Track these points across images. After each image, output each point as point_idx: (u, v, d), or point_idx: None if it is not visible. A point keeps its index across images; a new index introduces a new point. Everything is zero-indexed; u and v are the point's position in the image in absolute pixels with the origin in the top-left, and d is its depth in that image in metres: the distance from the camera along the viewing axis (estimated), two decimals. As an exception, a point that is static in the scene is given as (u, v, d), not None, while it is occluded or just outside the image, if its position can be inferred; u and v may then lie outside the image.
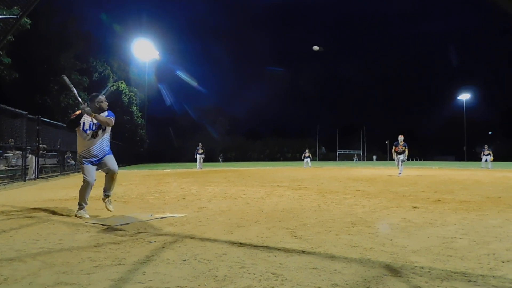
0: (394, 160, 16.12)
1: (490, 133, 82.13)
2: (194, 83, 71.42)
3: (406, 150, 15.28)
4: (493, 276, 2.31)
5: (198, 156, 23.71)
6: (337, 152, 75.84)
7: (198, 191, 8.10)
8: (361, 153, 76.95)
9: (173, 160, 54.50)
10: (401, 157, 15.21)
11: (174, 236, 3.47)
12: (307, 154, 27.98)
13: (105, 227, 4.00)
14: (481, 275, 2.34)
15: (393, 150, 15.79)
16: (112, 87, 36.03)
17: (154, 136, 56.53)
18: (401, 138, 15.42)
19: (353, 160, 67.62)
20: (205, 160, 24.71)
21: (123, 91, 40.28)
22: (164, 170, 21.81)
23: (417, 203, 5.86)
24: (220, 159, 60.68)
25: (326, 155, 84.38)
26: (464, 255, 2.79)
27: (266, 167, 28.36)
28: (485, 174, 15.84)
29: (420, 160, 68.84)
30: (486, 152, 24.11)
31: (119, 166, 5.15)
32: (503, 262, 2.61)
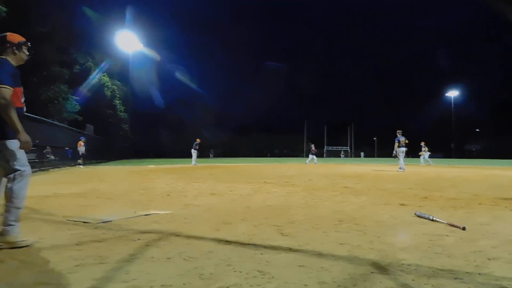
0: (394, 156, 16.42)
1: (478, 130, 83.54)
2: (181, 77, 70.57)
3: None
4: (479, 273, 2.31)
5: (194, 151, 23.70)
6: (325, 149, 76.19)
7: (184, 187, 8.01)
8: (348, 149, 77.50)
9: (159, 156, 54.08)
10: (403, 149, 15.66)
11: (159, 234, 3.40)
12: (314, 150, 28.42)
13: (88, 224, 3.90)
14: (467, 272, 2.33)
15: (396, 146, 16.03)
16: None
17: (139, 131, 55.71)
18: (399, 132, 15.85)
19: (340, 157, 67.99)
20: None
21: (106, 84, 39.25)
22: (149, 166, 21.55)
23: (405, 200, 5.88)
24: (210, 155, 60.48)
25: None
26: (451, 253, 2.78)
27: (254, 163, 28.35)
28: (473, 171, 16.05)
29: (408, 157, 69.54)
30: (424, 149, 24.73)
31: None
32: (490, 260, 2.61)
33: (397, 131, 15.88)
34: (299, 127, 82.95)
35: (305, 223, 3.97)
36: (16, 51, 3.21)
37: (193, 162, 23.53)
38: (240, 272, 2.32)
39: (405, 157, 16.05)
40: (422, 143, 24.87)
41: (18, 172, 3.08)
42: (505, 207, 5.18)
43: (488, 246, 3.00)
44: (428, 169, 18.92)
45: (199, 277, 2.22)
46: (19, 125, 2.98)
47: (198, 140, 24.21)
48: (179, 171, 15.88)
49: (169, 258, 2.60)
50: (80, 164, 21.27)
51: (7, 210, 2.98)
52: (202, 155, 46.65)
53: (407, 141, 16.13)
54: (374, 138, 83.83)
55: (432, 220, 4.03)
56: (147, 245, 2.97)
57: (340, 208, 5.10)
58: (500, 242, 3.14)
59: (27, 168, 3.16)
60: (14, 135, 3.01)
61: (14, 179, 3.04)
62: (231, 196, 6.41)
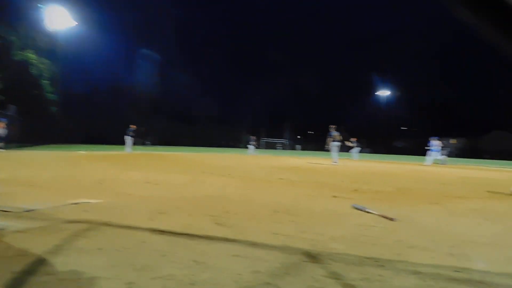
0: (326, 150, 17.14)
1: (404, 128, 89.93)
2: (116, 59, 67.01)
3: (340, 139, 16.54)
4: (400, 261, 2.51)
5: (128, 138, 22.76)
6: (264, 141, 77.34)
7: (117, 175, 7.69)
8: (287, 142, 79.41)
9: (91, 141, 51.21)
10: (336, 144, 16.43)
11: (89, 224, 3.24)
12: (252, 142, 28.63)
13: (8, 214, 3.61)
14: (389, 260, 2.52)
15: (328, 141, 16.74)
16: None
17: (69, 114, 52.22)
18: (332, 127, 16.53)
19: (276, 149, 69.43)
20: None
21: (32, 62, 35.97)
22: (80, 152, 20.36)
23: (337, 192, 6.17)
24: (148, 143, 58.41)
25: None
26: (376, 242, 2.99)
27: (191, 152, 28.00)
28: (398, 166, 17.28)
29: (341, 151, 72.86)
30: (352, 145, 26.34)
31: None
32: (409, 248, 2.84)
33: (330, 126, 16.64)
34: (238, 119, 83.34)
35: (241, 214, 4.02)
36: None
37: (128, 149, 22.67)
38: (174, 262, 2.29)
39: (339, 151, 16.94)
40: (353, 139, 26.20)
41: None
42: (424, 200, 5.65)
43: (407, 235, 3.27)
44: (358, 163, 20.01)
45: (132, 267, 2.16)
46: None
47: (132, 126, 23.28)
48: (112, 158, 15.19)
49: (100, 249, 2.50)
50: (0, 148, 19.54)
51: None
52: (138, 142, 45.04)
53: (340, 137, 16.96)
54: (311, 132, 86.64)
55: (367, 212, 4.28)
56: (76, 236, 2.82)
57: (276, 199, 5.23)
58: (418, 232, 3.43)
59: None
60: None
61: None
62: (167, 186, 6.29)
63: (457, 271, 2.33)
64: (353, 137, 26.27)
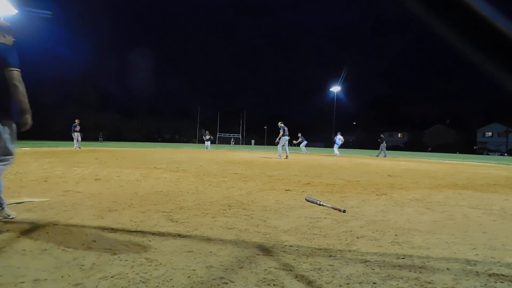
0: (276, 143, 17.37)
1: (354, 123, 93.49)
2: (59, 50, 63.47)
3: (287, 133, 16.75)
4: (349, 250, 2.61)
5: (75, 134, 21.70)
6: (217, 135, 76.97)
7: (63, 172, 7.33)
8: (240, 137, 79.53)
9: (35, 137, 48.36)
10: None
11: (33, 224, 3.07)
12: (207, 137, 28.25)
13: None
14: (339, 250, 2.62)
15: (280, 135, 17.01)
16: None
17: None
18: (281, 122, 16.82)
19: (230, 144, 69.38)
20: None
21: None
22: (23, 148, 19.14)
23: (289, 186, 6.29)
24: (100, 139, 55.82)
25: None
26: (327, 233, 3.09)
27: (143, 147, 27.27)
28: (348, 160, 17.89)
29: (293, 145, 74.27)
30: (300, 140, 26.82)
31: None
32: (358, 238, 2.97)
33: (279, 122, 16.98)
34: (192, 113, 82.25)
35: (195, 209, 3.99)
36: (5, 35, 3.37)
37: (76, 145, 21.66)
38: (126, 260, 2.24)
39: (288, 145, 17.31)
40: (299, 134, 26.62)
41: (11, 156, 3.32)
42: (372, 191, 5.91)
43: (356, 226, 3.41)
44: (309, 157, 20.50)
45: (80, 268, 2.08)
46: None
47: (77, 121, 22.18)
48: (59, 154, 14.43)
49: (45, 250, 2.38)
50: None
51: None
52: (87, 137, 43.04)
53: (286, 132, 17.27)
54: (265, 127, 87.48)
55: (320, 204, 4.40)
56: (18, 237, 2.66)
57: (229, 193, 5.24)
58: (366, 222, 3.59)
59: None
60: (18, 116, 3.24)
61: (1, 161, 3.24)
62: (118, 182, 6.10)
63: (401, 258, 2.47)
64: (299, 131, 26.76)
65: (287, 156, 17.00)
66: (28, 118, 3.29)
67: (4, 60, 3.15)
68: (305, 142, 27.32)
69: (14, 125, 3.28)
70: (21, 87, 3.21)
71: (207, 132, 30.26)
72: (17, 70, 3.18)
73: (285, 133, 16.90)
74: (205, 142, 29.35)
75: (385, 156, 24.20)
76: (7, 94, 3.18)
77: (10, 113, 3.23)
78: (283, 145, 17.01)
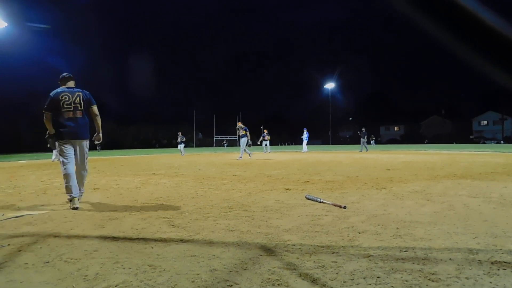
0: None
1: (350, 119, 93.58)
2: (51, 57, 62.91)
3: (248, 134, 16.84)
4: (352, 246, 2.62)
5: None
6: (214, 138, 76.84)
7: (62, 183, 7.28)
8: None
9: (32, 149, 47.97)
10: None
11: (34, 237, 3.06)
12: (178, 139, 24.95)
13: None
14: (342, 246, 2.62)
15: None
16: None
17: (5, 121, 48.56)
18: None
19: (223, 146, 69.26)
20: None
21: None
22: (19, 161, 19.02)
23: (289, 185, 6.29)
24: (98, 148, 55.47)
25: (203, 141, 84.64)
26: (329, 230, 3.09)
27: (141, 154, 27.20)
28: (346, 156, 17.92)
29: (292, 144, 74.59)
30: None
31: None
32: (359, 233, 2.97)
33: (239, 123, 17.35)
34: (188, 116, 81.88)
35: (195, 213, 3.99)
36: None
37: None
38: (130, 268, 2.23)
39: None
40: (265, 131, 25.97)
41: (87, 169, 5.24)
42: (371, 186, 5.92)
43: (358, 221, 3.41)
44: (307, 154, 20.53)
45: (83, 278, 2.07)
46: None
47: None
48: (56, 166, 14.33)
49: (47, 262, 2.37)
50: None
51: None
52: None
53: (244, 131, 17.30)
54: (261, 127, 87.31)
55: (320, 201, 4.41)
56: (19, 251, 2.65)
57: (229, 195, 5.24)
58: (367, 217, 3.60)
59: None
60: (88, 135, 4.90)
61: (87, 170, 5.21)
62: (117, 190, 6.09)
63: (404, 251, 2.47)
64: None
65: (241, 157, 16.91)
66: (101, 137, 5.04)
67: (90, 101, 4.86)
68: (268, 141, 26.25)
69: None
70: (99, 117, 4.91)
71: (179, 133, 25.69)
72: (96, 106, 4.91)
73: (241, 134, 17.09)
74: (178, 145, 25.04)
75: (366, 150, 24.25)
76: (91, 122, 4.90)
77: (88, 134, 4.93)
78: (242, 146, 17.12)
